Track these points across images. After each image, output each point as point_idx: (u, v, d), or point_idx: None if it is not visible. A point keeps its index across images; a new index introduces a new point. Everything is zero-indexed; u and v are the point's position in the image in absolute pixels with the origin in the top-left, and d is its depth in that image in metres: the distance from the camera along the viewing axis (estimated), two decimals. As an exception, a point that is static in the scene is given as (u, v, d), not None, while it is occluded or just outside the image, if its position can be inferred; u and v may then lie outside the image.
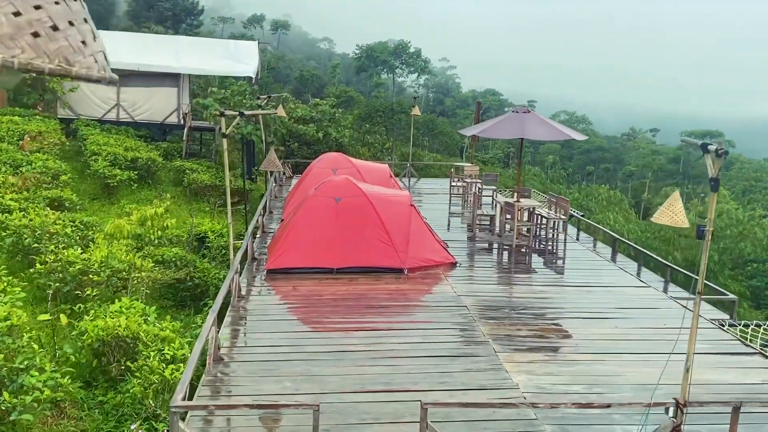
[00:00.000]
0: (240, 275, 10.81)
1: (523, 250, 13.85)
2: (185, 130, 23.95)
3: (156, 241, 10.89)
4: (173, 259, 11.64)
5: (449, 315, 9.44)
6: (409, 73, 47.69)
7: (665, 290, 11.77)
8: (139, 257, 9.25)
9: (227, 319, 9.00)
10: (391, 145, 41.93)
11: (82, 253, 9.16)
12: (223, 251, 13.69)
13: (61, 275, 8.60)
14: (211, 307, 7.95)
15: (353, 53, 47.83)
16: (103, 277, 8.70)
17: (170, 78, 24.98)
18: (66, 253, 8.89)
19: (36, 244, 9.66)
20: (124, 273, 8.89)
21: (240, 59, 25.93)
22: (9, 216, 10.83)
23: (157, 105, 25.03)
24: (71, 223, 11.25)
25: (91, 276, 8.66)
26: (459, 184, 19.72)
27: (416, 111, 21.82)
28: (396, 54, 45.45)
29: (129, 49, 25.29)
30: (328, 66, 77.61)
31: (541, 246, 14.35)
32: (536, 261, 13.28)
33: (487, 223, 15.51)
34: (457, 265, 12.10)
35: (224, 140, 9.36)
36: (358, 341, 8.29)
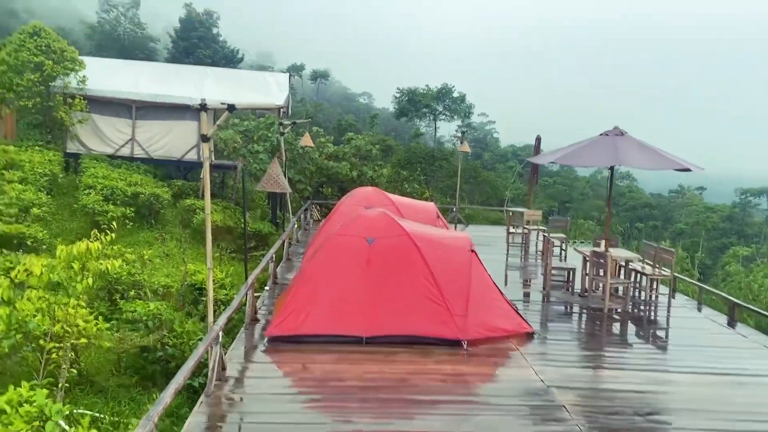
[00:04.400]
0: (227, 346, 7.63)
1: (616, 315, 10.38)
2: (203, 167, 21.27)
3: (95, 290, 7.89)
4: (145, 318, 8.56)
5: (540, 422, 6.02)
6: (453, 119, 44.82)
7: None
8: (77, 313, 6.19)
9: (194, 419, 5.78)
10: (430, 194, 38.95)
11: (-8, 309, 6.19)
12: (224, 307, 10.61)
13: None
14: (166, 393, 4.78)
15: (393, 97, 45.27)
16: (3, 348, 5.65)
17: (191, 111, 22.52)
18: (-41, 309, 5.94)
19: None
20: (42, 341, 5.85)
21: (269, 91, 23.47)
22: None
23: (175, 140, 22.49)
24: (11, 266, 8.32)
25: (-14, 346, 5.64)
26: (518, 231, 16.42)
27: (465, 147, 18.81)
28: (439, 98, 42.73)
29: (148, 78, 23.12)
30: (366, 118, 75.88)
31: (638, 311, 10.86)
32: (633, 331, 9.80)
33: (562, 279, 12.10)
34: (535, 336, 8.71)
35: (206, 146, 6.39)
36: (398, 470, 4.95)
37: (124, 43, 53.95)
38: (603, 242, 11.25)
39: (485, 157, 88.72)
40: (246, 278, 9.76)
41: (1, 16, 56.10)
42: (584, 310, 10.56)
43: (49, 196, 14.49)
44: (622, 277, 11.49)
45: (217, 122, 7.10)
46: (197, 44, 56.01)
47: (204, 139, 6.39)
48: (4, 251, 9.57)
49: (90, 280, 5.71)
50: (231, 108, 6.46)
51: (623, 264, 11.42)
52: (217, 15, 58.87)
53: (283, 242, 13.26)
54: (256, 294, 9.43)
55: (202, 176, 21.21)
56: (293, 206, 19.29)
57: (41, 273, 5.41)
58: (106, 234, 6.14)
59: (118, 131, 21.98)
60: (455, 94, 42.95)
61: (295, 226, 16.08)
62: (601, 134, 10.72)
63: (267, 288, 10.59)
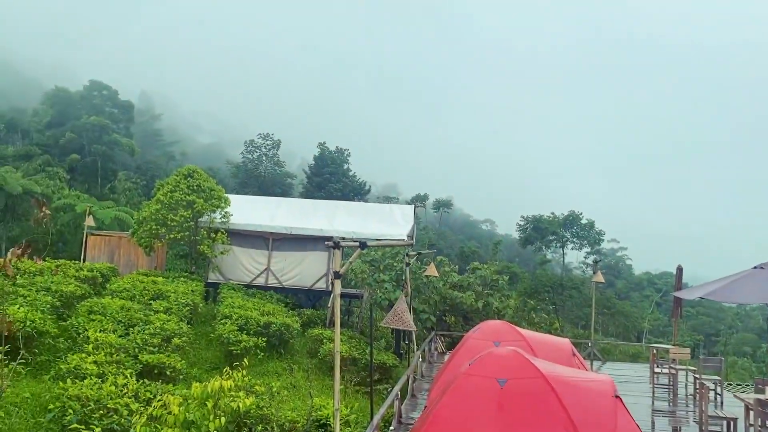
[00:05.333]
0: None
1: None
2: (331, 296, 21.79)
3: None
4: (271, 456, 8.43)
5: None
6: (582, 246, 43.55)
7: None
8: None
9: None
10: (559, 325, 37.18)
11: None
12: (348, 446, 10.31)
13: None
14: None
15: (517, 225, 45.04)
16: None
17: (322, 242, 23.54)
18: (101, 442, 6.15)
19: (77, 425, 7.07)
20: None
21: (395, 223, 24.13)
22: (74, 383, 8.54)
23: (306, 270, 23.42)
24: (151, 397, 8.66)
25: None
26: (663, 371, 14.98)
27: (599, 277, 17.92)
28: (566, 225, 41.98)
29: (284, 212, 24.63)
30: (489, 245, 75.52)
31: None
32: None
33: (721, 429, 10.68)
34: (695, 500, 7.58)
35: (337, 283, 6.48)
36: None
37: (264, 180, 58.57)
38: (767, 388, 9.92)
39: (618, 285, 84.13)
40: (371, 416, 9.46)
41: (161, 159, 63.45)
42: (753, 470, 9.15)
43: (189, 326, 15.26)
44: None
45: (350, 259, 7.24)
46: (329, 179, 59.65)
47: (337, 275, 6.50)
48: (146, 381, 10.03)
49: (222, 420, 5.75)
50: (363, 245, 6.58)
51: (796, 415, 9.92)
52: (348, 152, 62.82)
53: (408, 377, 12.93)
54: (381, 434, 9.08)
55: (329, 305, 21.68)
56: (417, 336, 19.02)
57: (178, 412, 5.55)
58: (239, 370, 6.25)
59: (255, 262, 23.27)
60: (583, 221, 42.07)
61: (420, 359, 15.71)
62: (755, 267, 9.80)
63: (392, 428, 10.21)
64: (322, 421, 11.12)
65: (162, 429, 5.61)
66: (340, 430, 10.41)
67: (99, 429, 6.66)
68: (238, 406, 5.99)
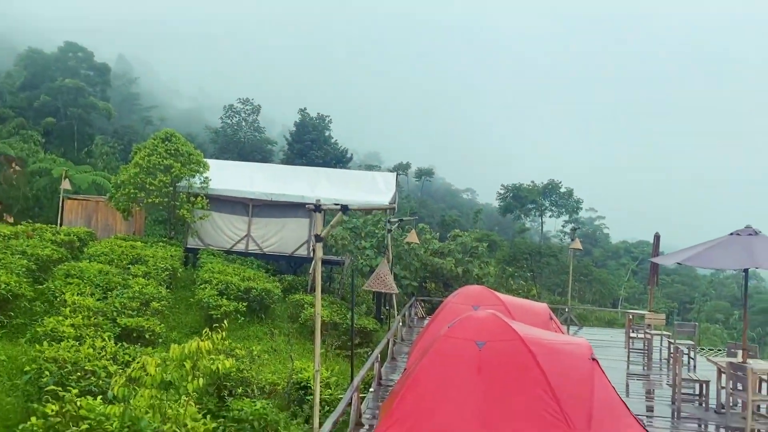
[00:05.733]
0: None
1: (761, 438, 9.13)
2: (313, 262, 21.78)
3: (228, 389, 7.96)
4: (251, 417, 8.48)
5: None
6: (560, 214, 43.91)
7: None
8: (186, 412, 6.19)
9: None
10: (537, 292, 37.70)
11: (109, 403, 6.33)
12: (328, 408, 10.40)
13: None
14: None
15: (498, 194, 45.23)
16: (116, 446, 5.70)
17: (303, 209, 23.43)
18: (78, 403, 6.10)
19: (54, 387, 7.03)
20: (153, 439, 5.87)
21: (377, 190, 24.05)
22: (51, 346, 8.47)
23: (287, 237, 23.34)
24: (130, 360, 8.64)
25: (100, 443, 5.71)
26: (638, 336, 15.26)
27: (577, 244, 18.10)
28: (545, 194, 42.25)
29: (264, 178, 24.41)
30: (470, 214, 75.77)
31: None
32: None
33: (693, 392, 10.96)
34: (667, 458, 7.78)
35: (318, 246, 6.43)
36: None
37: (244, 146, 57.90)
38: (740, 352, 10.15)
39: (595, 253, 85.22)
40: (351, 378, 9.53)
41: (138, 124, 62.37)
42: (722, 430, 9.40)
43: (168, 290, 15.19)
44: (765, 392, 10.23)
45: (331, 223, 7.20)
46: (310, 146, 59.07)
47: (318, 239, 6.45)
48: (125, 344, 9.99)
49: (200, 381, 5.73)
50: (344, 209, 6.52)
51: (766, 378, 10.19)
52: (330, 118, 62.22)
53: (388, 341, 13.03)
54: (361, 395, 9.17)
55: (310, 271, 21.69)
56: (398, 301, 19.15)
57: (155, 373, 5.51)
58: (218, 332, 6.22)
59: (235, 227, 23.11)
60: (562, 189, 42.36)
61: (400, 323, 15.83)
62: (731, 234, 9.93)
63: (372, 390, 10.31)
64: (302, 384, 11.19)
65: (140, 390, 5.60)
66: (321, 391, 10.49)
67: (76, 390, 6.61)
68: (218, 368, 5.97)
